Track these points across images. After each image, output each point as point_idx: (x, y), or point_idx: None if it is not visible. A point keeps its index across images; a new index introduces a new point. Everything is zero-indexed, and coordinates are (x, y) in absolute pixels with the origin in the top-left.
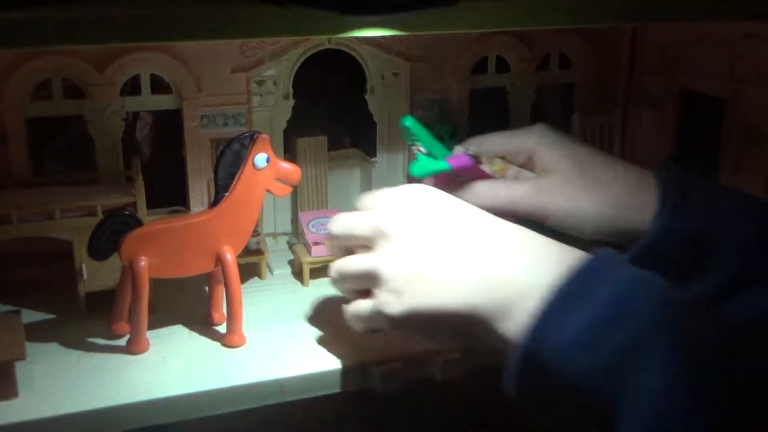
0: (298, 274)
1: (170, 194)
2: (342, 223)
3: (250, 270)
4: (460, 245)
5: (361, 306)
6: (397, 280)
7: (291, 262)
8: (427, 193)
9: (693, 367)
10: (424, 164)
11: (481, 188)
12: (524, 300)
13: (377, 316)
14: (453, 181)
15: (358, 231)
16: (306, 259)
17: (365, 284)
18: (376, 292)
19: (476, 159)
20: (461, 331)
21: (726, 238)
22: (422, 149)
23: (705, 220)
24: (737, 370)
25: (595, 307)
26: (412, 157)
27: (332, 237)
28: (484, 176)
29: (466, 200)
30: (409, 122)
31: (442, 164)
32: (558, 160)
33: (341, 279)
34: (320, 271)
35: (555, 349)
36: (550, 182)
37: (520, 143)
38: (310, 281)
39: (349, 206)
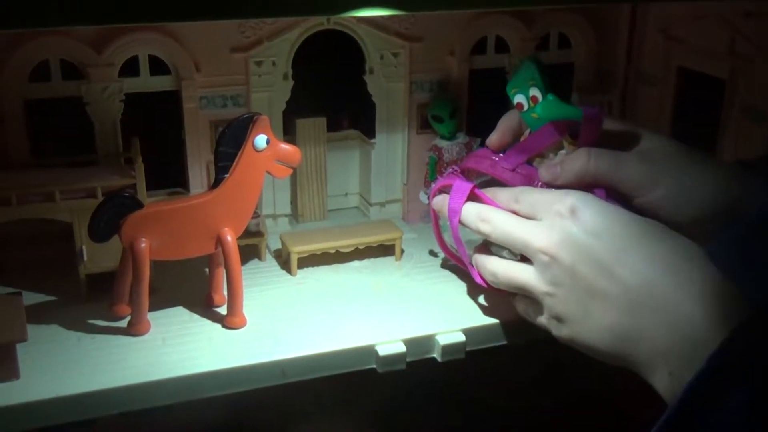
0: (285, 263)
1: (169, 176)
2: (502, 227)
3: (250, 251)
4: (623, 288)
5: (530, 314)
6: (559, 310)
7: (278, 252)
8: (601, 214)
9: None
10: (554, 107)
11: (591, 155)
12: (676, 361)
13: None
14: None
15: (519, 243)
16: (294, 249)
17: (524, 292)
18: (541, 306)
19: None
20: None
21: None
22: (538, 95)
23: None
24: None
25: (756, 384)
26: (520, 107)
27: (485, 234)
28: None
29: (573, 169)
30: (534, 63)
31: (575, 111)
32: (661, 142)
33: (498, 282)
34: (307, 260)
35: (711, 426)
36: (657, 155)
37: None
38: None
39: (348, 188)
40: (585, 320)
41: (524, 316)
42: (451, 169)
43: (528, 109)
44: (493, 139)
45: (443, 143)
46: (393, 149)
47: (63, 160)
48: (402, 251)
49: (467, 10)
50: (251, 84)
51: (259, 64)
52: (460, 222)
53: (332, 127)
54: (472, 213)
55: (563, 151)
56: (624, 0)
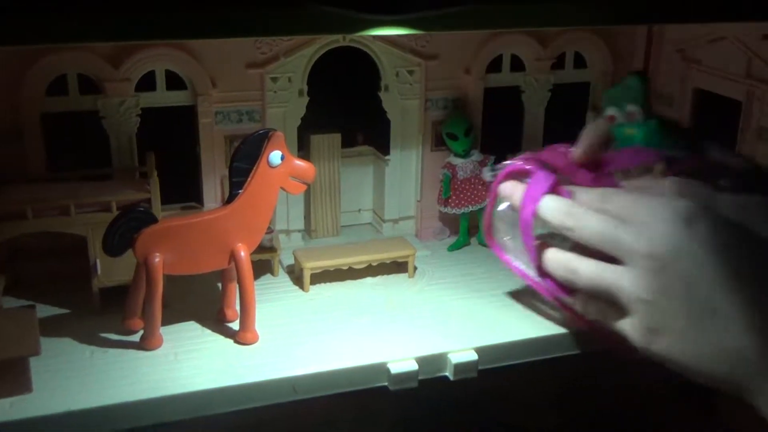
0: (298, 279)
1: (183, 190)
2: (594, 226)
3: (262, 267)
4: (751, 310)
5: (607, 317)
6: (659, 322)
7: (290, 268)
8: (721, 228)
9: None
10: (657, 134)
11: (680, 185)
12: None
13: (621, 328)
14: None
15: (613, 244)
16: (307, 265)
17: (606, 294)
18: (627, 312)
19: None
20: None
21: None
22: (636, 112)
23: None
24: None
25: None
26: (612, 120)
27: (567, 228)
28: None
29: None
30: (640, 80)
31: (675, 143)
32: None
33: (577, 280)
34: (320, 276)
35: None
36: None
37: None
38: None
39: (362, 204)
40: (695, 337)
41: (594, 316)
42: (526, 155)
43: (622, 124)
44: (579, 152)
45: (457, 161)
46: (407, 166)
47: (79, 174)
48: (415, 268)
49: (485, 30)
50: (266, 99)
51: (274, 80)
52: (534, 213)
53: (347, 143)
54: (554, 206)
55: (650, 175)
56: (640, 22)
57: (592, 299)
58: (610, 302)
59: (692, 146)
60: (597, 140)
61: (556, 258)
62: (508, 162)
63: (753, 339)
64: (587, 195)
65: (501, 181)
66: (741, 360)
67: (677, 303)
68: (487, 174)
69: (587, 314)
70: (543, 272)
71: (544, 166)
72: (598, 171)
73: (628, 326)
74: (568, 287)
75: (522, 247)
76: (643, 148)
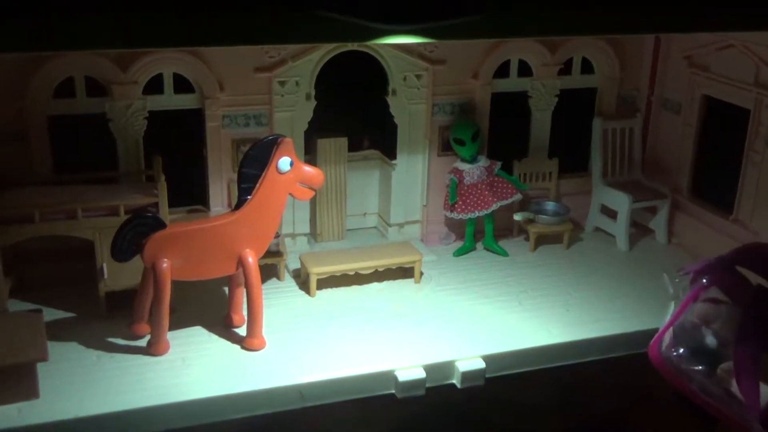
0: (304, 283)
1: (190, 193)
2: None
3: (268, 271)
4: None
5: None
6: None
7: (296, 272)
8: None
9: None
10: None
11: None
12: None
13: None
14: None
15: None
16: (313, 270)
17: None
18: None
19: None
20: None
21: None
22: None
23: None
24: None
25: None
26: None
27: None
28: None
29: None
30: None
31: None
32: None
33: None
34: (326, 281)
35: None
36: None
37: None
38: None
39: (367, 208)
40: None
41: None
42: (723, 261)
43: None
44: None
45: (464, 166)
46: (413, 171)
47: (86, 177)
48: (421, 274)
49: (494, 39)
50: (274, 103)
51: (282, 84)
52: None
53: (353, 147)
54: None
55: None
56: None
57: None
58: None
59: None
60: None
61: None
62: (700, 270)
63: None
64: None
65: (695, 297)
66: None
67: None
68: (668, 284)
69: None
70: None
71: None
72: None
73: None
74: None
75: (706, 373)
76: None
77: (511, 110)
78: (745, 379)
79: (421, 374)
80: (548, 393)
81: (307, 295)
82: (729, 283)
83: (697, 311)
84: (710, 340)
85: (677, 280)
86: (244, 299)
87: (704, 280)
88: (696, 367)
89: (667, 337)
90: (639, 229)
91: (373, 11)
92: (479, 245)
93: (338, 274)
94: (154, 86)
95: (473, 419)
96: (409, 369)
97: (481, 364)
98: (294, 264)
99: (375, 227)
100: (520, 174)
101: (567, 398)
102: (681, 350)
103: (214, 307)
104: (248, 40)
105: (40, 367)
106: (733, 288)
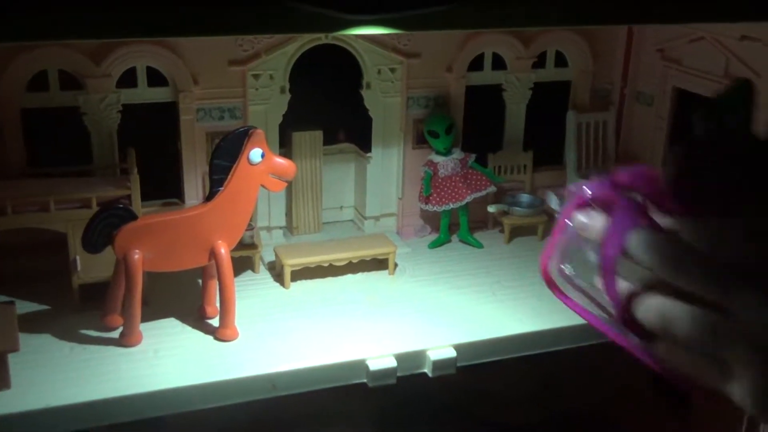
0: (279, 276)
1: (164, 186)
2: (702, 275)
3: (243, 263)
4: None
5: (704, 372)
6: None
7: (271, 264)
8: None
9: None
10: None
11: None
12: None
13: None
14: None
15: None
16: (287, 261)
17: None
18: (735, 369)
19: None
20: None
21: None
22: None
23: None
24: None
25: None
26: None
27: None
28: None
29: None
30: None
31: None
32: None
33: (673, 327)
34: (301, 273)
35: None
36: None
37: None
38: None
39: (343, 201)
40: None
41: (683, 369)
42: (599, 178)
43: None
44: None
45: (438, 158)
46: (388, 164)
47: (59, 170)
48: (396, 265)
49: (466, 30)
50: (248, 97)
51: (256, 77)
52: (621, 251)
53: (328, 140)
54: (651, 244)
55: None
56: (621, 22)
57: (683, 349)
58: (710, 355)
59: None
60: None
61: (651, 304)
62: (580, 186)
63: None
64: (693, 233)
65: (573, 210)
66: None
67: None
68: (552, 200)
69: (672, 364)
70: (626, 318)
71: (626, 191)
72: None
73: (736, 387)
74: (647, 332)
75: (591, 287)
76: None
77: (485, 103)
78: (606, 278)
79: (392, 363)
80: (526, 383)
81: (281, 287)
82: (606, 198)
83: (576, 224)
84: (591, 255)
85: (562, 199)
86: (218, 291)
87: (582, 193)
88: (580, 282)
89: (557, 254)
90: None
91: (339, 1)
92: (454, 237)
93: (313, 266)
94: (128, 80)
95: (451, 409)
96: (381, 358)
97: (453, 353)
98: (269, 256)
99: (351, 220)
100: (495, 167)
101: (544, 388)
102: (567, 266)
103: (187, 299)
104: (218, 30)
105: (12, 359)
106: (608, 202)
